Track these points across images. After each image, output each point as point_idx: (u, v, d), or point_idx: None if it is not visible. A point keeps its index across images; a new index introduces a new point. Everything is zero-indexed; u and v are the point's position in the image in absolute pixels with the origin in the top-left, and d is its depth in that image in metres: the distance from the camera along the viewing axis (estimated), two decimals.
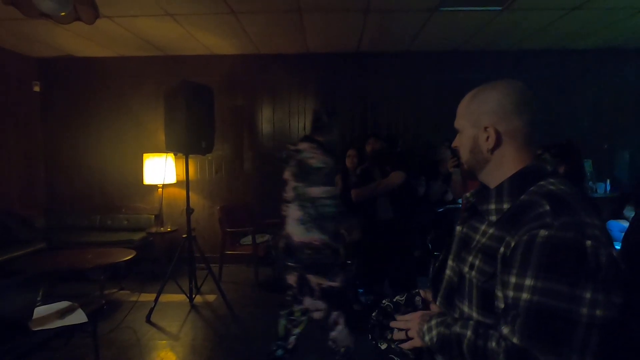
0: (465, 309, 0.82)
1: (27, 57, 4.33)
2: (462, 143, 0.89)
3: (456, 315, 0.84)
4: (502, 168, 0.83)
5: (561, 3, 3.01)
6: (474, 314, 0.80)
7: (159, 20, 3.31)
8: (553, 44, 4.03)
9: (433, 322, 0.84)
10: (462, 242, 0.88)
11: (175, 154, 3.81)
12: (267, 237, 4.08)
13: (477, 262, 0.80)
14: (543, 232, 0.68)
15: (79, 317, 2.22)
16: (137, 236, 4.06)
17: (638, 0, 2.94)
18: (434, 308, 0.94)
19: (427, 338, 0.83)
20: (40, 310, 2.27)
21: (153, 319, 3.01)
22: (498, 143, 0.82)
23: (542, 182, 0.77)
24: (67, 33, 3.54)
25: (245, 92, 4.45)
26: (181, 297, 3.32)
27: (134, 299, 3.18)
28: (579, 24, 3.45)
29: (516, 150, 0.82)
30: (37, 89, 4.38)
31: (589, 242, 0.65)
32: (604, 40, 3.91)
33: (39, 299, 2.42)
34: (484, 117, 0.83)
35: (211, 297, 3.48)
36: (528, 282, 0.68)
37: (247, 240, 3.95)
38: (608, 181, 4.08)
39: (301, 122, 4.44)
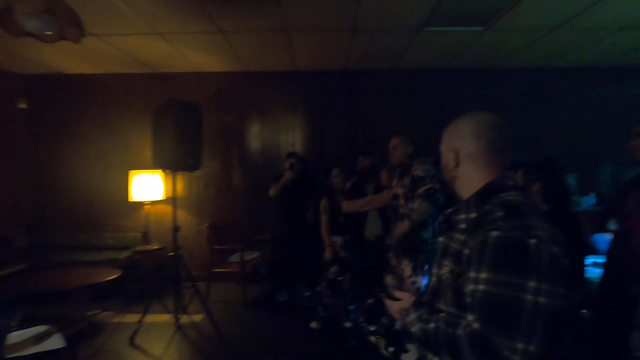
0: (443, 308, 0.94)
1: (15, 74, 4.30)
2: (443, 163, 1.08)
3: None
4: (469, 184, 0.98)
5: (540, 24, 3.12)
6: (450, 309, 0.91)
7: (148, 39, 3.34)
8: (535, 62, 4.15)
9: (412, 315, 0.98)
10: (442, 251, 1.00)
11: (163, 171, 3.78)
12: (255, 254, 4.02)
13: (450, 265, 0.93)
14: (495, 233, 0.81)
15: (56, 341, 2.14)
16: (123, 255, 3.97)
17: (613, 21, 3.06)
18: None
19: (413, 330, 0.97)
20: (15, 336, 2.18)
21: (137, 341, 2.92)
22: (458, 162, 1.00)
23: (502, 194, 0.90)
24: (56, 51, 3.54)
25: (234, 109, 4.47)
26: (167, 318, 3.23)
27: (117, 320, 3.10)
28: (558, 44, 3.58)
29: (477, 170, 0.97)
30: (23, 106, 4.33)
31: (533, 241, 0.77)
32: (583, 58, 4.04)
33: (14, 323, 2.32)
34: (452, 141, 1.03)
35: (198, 317, 3.39)
36: (483, 275, 0.80)
37: (236, 257, 3.89)
38: (593, 195, 4.15)
39: (290, 139, 4.46)
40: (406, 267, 2.53)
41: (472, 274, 0.82)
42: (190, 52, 3.75)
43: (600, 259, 2.57)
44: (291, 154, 3.82)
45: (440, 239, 1.05)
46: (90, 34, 3.13)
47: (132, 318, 3.08)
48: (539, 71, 4.34)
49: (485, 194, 0.93)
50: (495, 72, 4.34)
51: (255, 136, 4.49)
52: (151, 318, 3.11)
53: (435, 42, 3.54)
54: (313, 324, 3.19)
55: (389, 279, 2.58)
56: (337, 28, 3.18)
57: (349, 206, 3.07)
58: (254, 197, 4.38)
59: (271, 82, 4.42)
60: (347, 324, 3.19)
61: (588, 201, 4.14)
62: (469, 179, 0.98)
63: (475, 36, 3.38)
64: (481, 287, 0.79)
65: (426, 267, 2.47)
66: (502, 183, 0.93)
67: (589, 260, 2.82)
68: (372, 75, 4.39)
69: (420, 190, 2.44)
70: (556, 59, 4.05)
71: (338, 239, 3.30)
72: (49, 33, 2.14)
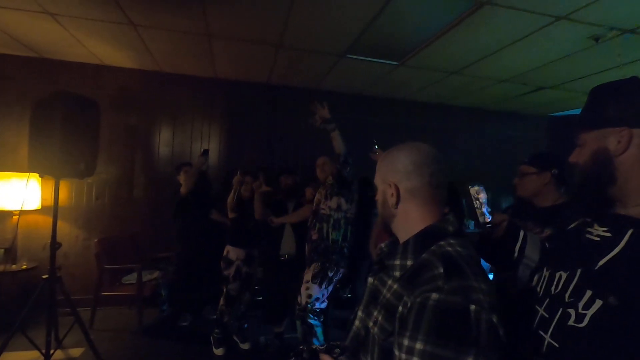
0: None
1: None
2: (377, 197, 0.96)
3: None
4: (408, 224, 0.89)
5: (443, 67, 3.55)
6: None
7: (34, 17, 2.80)
8: (438, 99, 4.71)
9: None
10: (371, 295, 0.91)
11: (40, 176, 3.16)
12: (156, 273, 3.61)
13: (379, 318, 0.83)
14: (434, 296, 0.71)
15: None
16: None
17: (495, 73, 3.65)
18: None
19: None
20: None
21: None
22: (399, 199, 0.89)
23: (442, 242, 0.82)
24: None
25: (141, 110, 4.02)
26: (34, 354, 2.64)
27: None
28: (455, 86, 4.12)
29: (418, 208, 0.88)
30: None
31: (473, 307, 0.69)
32: (473, 101, 4.73)
33: None
34: (390, 175, 0.91)
35: (77, 351, 2.86)
36: (418, 345, 0.70)
37: (131, 278, 3.43)
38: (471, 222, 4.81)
39: (204, 147, 4.18)
40: (308, 273, 2.59)
41: (406, 342, 0.72)
42: (90, 41, 3.26)
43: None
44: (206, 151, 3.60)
45: (370, 280, 0.95)
46: None
47: None
48: (440, 107, 4.92)
49: (424, 239, 0.84)
50: (406, 103, 4.78)
51: (165, 143, 4.09)
52: (13, 356, 2.51)
53: (355, 69, 3.74)
54: (218, 351, 2.96)
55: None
56: (262, 41, 3.13)
57: (280, 221, 3.06)
58: (157, 210, 3.95)
59: (187, 86, 4.11)
60: (244, 346, 3.06)
61: (473, 224, 4.78)
62: (408, 218, 0.89)
63: (391, 69, 3.68)
64: (415, 359, 0.70)
65: (331, 273, 2.55)
66: (442, 227, 0.85)
67: None
68: (294, 92, 4.42)
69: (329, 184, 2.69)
70: (453, 99, 4.65)
71: (241, 253, 3.08)
72: None
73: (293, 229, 3.07)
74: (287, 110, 4.43)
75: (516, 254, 1.02)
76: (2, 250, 3.48)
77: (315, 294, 2.53)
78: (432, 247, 0.81)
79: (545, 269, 0.90)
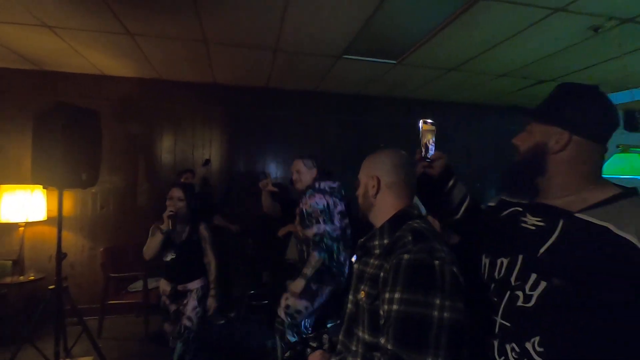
0: (359, 333, 0.97)
1: None
2: (360, 191, 1.16)
3: (353, 346, 0.99)
4: (383, 211, 1.09)
5: (441, 64, 3.53)
6: (366, 336, 0.95)
7: (34, 31, 2.84)
8: (436, 96, 4.69)
9: None
10: (357, 277, 1.06)
11: (44, 187, 3.18)
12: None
13: (366, 289, 0.98)
14: (406, 256, 0.89)
15: None
16: None
17: (494, 68, 3.63)
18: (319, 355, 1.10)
19: None
20: None
21: None
22: (378, 190, 1.09)
23: (410, 222, 1.01)
24: None
25: (142, 119, 4.04)
26: None
27: None
28: (453, 82, 4.10)
29: (393, 199, 1.08)
30: None
31: (436, 262, 0.86)
32: (471, 97, 4.71)
33: None
34: (374, 171, 1.11)
35: None
36: (396, 295, 0.86)
37: (137, 285, 3.45)
38: None
39: (206, 154, 4.20)
40: (290, 284, 2.37)
41: (387, 295, 0.88)
42: (88, 52, 3.29)
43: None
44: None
45: (356, 266, 1.10)
46: None
47: None
48: (439, 104, 4.90)
49: (396, 222, 1.03)
50: (404, 101, 4.77)
51: (167, 150, 4.12)
52: None
53: (353, 70, 3.74)
54: None
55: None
56: (259, 46, 3.13)
57: (284, 231, 3.01)
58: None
59: (187, 92, 4.14)
60: None
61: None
62: (385, 206, 1.08)
63: (388, 69, 3.67)
64: (395, 306, 0.85)
65: (314, 287, 2.34)
66: (409, 211, 1.06)
67: None
68: (292, 95, 4.43)
69: (309, 235, 2.35)
70: (452, 95, 4.63)
71: (165, 286, 2.59)
72: None
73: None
74: (285, 113, 4.44)
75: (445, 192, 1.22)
76: (10, 262, 3.51)
77: (293, 305, 2.33)
78: (403, 226, 0.99)
79: (484, 257, 1.01)
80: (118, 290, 3.47)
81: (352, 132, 4.63)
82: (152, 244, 2.48)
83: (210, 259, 2.61)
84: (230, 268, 3.92)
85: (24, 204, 3.31)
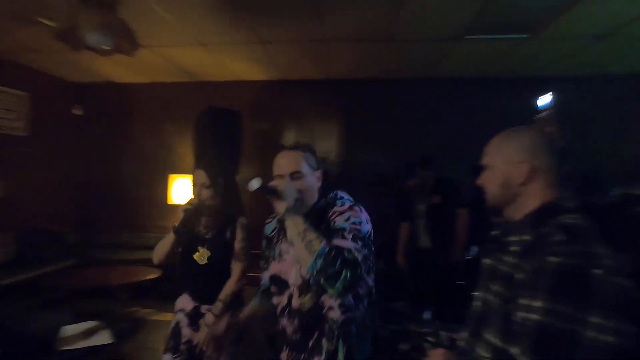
0: (490, 337, 0.86)
1: (67, 81, 4.59)
2: (490, 179, 0.96)
3: (482, 350, 0.87)
4: (528, 202, 0.90)
5: (588, 31, 2.99)
6: (498, 341, 0.83)
7: (191, 49, 3.50)
8: (579, 71, 3.96)
9: None
10: (489, 273, 0.94)
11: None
12: None
13: (498, 289, 0.86)
14: (553, 259, 0.74)
15: (105, 337, 2.26)
16: None
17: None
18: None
19: None
20: (66, 330, 2.32)
21: None
22: (529, 178, 0.89)
23: (561, 216, 0.83)
24: (106, 60, 3.76)
25: (269, 116, 4.57)
26: None
27: (156, 318, 3.21)
28: (605, 52, 3.40)
29: (544, 186, 0.90)
30: (78, 112, 4.62)
31: (598, 271, 0.70)
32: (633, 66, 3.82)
33: (65, 318, 2.46)
34: (518, 154, 0.91)
35: None
36: (537, 303, 0.72)
37: None
38: None
39: (326, 147, 4.46)
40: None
41: (524, 301, 0.75)
42: (229, 61, 3.88)
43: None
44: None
45: (487, 261, 0.97)
46: (140, 46, 3.31)
47: (170, 317, 3.19)
48: (582, 79, 4.10)
49: (543, 215, 0.85)
50: (532, 80, 4.12)
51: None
52: None
53: (474, 51, 3.47)
54: None
55: None
56: (374, 37, 3.19)
57: None
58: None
59: (307, 90, 4.48)
60: None
61: None
62: (532, 196, 0.90)
63: (516, 45, 3.28)
64: (534, 316, 0.72)
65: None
66: (561, 203, 0.86)
67: None
68: (407, 84, 4.36)
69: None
70: (604, 66, 3.84)
71: (186, 303, 1.88)
72: (107, 48, 2.28)
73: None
74: (403, 103, 4.40)
75: None
76: None
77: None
78: (551, 221, 0.82)
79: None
80: None
81: (472, 120, 4.28)
82: (160, 245, 1.83)
83: (238, 264, 1.79)
84: None
85: (188, 189, 4.16)
